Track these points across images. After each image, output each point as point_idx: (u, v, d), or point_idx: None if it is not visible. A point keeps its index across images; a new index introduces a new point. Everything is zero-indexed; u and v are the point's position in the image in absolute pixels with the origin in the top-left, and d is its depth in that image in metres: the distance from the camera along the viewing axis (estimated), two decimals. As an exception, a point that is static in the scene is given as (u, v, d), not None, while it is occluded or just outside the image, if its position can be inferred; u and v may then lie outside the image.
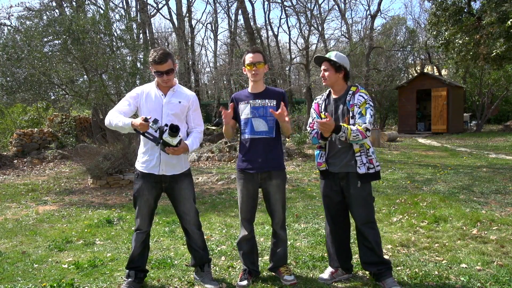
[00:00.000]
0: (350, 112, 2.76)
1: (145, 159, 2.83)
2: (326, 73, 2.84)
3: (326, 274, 2.95)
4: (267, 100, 2.85)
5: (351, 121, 2.74)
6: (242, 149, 2.92)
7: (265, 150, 2.83)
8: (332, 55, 2.82)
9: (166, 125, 2.62)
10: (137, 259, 2.85)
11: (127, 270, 2.85)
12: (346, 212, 2.94)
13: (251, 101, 2.87)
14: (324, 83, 2.89)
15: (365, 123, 2.68)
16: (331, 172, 2.86)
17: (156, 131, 2.60)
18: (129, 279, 2.81)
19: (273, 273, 3.02)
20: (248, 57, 2.85)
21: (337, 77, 2.83)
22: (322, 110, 2.93)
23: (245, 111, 2.88)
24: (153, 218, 2.95)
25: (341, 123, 2.72)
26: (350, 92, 2.81)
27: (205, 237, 4.01)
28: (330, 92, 2.95)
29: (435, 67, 25.72)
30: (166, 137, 2.58)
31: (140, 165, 2.86)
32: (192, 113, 2.91)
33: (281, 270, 2.94)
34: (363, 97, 2.75)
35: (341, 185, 2.84)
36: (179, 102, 2.83)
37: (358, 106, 2.74)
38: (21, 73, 7.89)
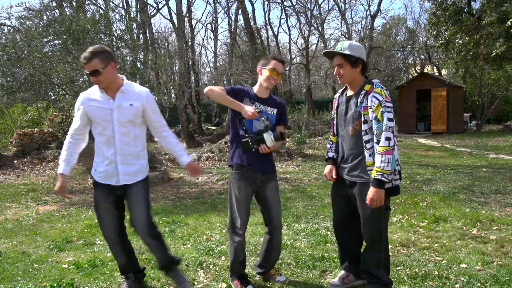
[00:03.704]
0: (362, 116, 2.39)
1: (102, 169, 2.57)
2: (342, 70, 2.45)
3: (337, 279, 2.79)
4: (269, 108, 2.75)
5: (364, 127, 2.39)
6: (239, 146, 2.71)
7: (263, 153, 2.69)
8: (345, 47, 2.42)
9: (270, 127, 2.61)
10: (126, 266, 2.75)
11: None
12: (354, 217, 2.63)
13: (256, 103, 2.72)
14: (340, 81, 2.52)
15: (383, 131, 2.29)
16: (340, 175, 2.65)
17: (263, 125, 2.58)
18: (129, 280, 2.80)
19: (262, 276, 2.96)
20: (275, 63, 2.68)
21: (354, 73, 2.45)
22: (335, 110, 2.65)
23: None
24: (122, 226, 2.70)
25: (369, 171, 2.38)
26: (363, 91, 2.41)
27: (205, 237, 4.02)
28: (347, 86, 2.61)
29: (435, 67, 25.72)
30: (268, 135, 2.54)
31: (97, 174, 2.60)
32: (152, 114, 2.60)
33: (272, 273, 2.91)
34: (377, 99, 2.33)
35: (349, 193, 2.60)
36: (130, 104, 2.50)
37: (372, 109, 2.34)
38: (21, 73, 7.90)
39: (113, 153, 2.54)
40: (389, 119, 2.31)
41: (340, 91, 2.69)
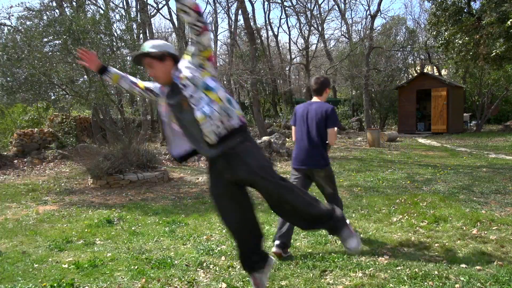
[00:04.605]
0: (185, 93, 2.18)
1: None
2: (153, 71, 2.32)
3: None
4: None
5: (191, 101, 2.18)
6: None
7: None
8: (146, 46, 2.33)
9: None
10: None
11: None
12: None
13: None
14: (158, 83, 2.41)
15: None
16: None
17: None
18: None
19: None
20: None
21: (166, 68, 2.30)
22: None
23: None
24: None
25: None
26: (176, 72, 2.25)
27: (205, 237, 4.02)
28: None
29: (435, 67, 25.72)
30: None
31: None
32: None
33: None
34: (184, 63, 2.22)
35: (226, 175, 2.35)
36: None
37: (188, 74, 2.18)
38: (21, 73, 7.89)
39: None
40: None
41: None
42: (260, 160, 2.27)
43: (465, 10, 12.60)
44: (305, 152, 3.57)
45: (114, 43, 8.35)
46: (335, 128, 3.53)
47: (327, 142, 3.54)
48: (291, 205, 2.28)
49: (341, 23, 35.09)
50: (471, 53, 12.38)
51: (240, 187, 2.38)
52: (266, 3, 25.82)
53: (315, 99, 3.74)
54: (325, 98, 3.76)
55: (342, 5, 25.57)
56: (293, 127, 3.81)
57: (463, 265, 3.08)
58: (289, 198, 2.26)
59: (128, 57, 8.86)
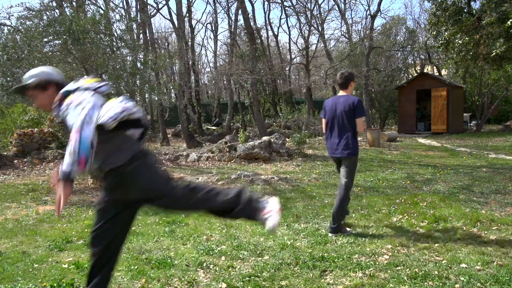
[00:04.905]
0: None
1: None
2: (37, 101, 2.20)
3: None
4: None
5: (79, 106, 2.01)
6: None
7: None
8: (26, 78, 2.19)
9: None
10: None
11: None
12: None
13: None
14: (48, 111, 2.29)
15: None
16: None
17: None
18: None
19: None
20: None
21: (49, 96, 2.17)
22: None
23: None
24: None
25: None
26: (57, 102, 2.11)
27: (205, 237, 4.02)
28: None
29: (435, 67, 25.70)
30: None
31: None
32: None
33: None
34: (67, 106, 2.01)
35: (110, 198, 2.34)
36: None
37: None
38: (21, 73, 7.90)
39: None
40: (73, 117, 1.96)
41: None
42: (151, 179, 2.24)
43: (465, 10, 12.60)
44: (336, 142, 3.98)
45: (114, 43, 8.36)
46: (363, 118, 3.94)
47: (356, 130, 3.97)
48: (191, 210, 2.50)
49: (341, 23, 35.11)
50: (471, 53, 12.39)
51: (126, 210, 2.35)
52: (266, 3, 25.88)
53: (341, 92, 4.10)
54: (351, 91, 4.11)
55: (342, 5, 25.58)
56: (323, 120, 4.20)
57: (463, 265, 3.08)
58: (186, 207, 2.34)
59: (128, 57, 8.87)
